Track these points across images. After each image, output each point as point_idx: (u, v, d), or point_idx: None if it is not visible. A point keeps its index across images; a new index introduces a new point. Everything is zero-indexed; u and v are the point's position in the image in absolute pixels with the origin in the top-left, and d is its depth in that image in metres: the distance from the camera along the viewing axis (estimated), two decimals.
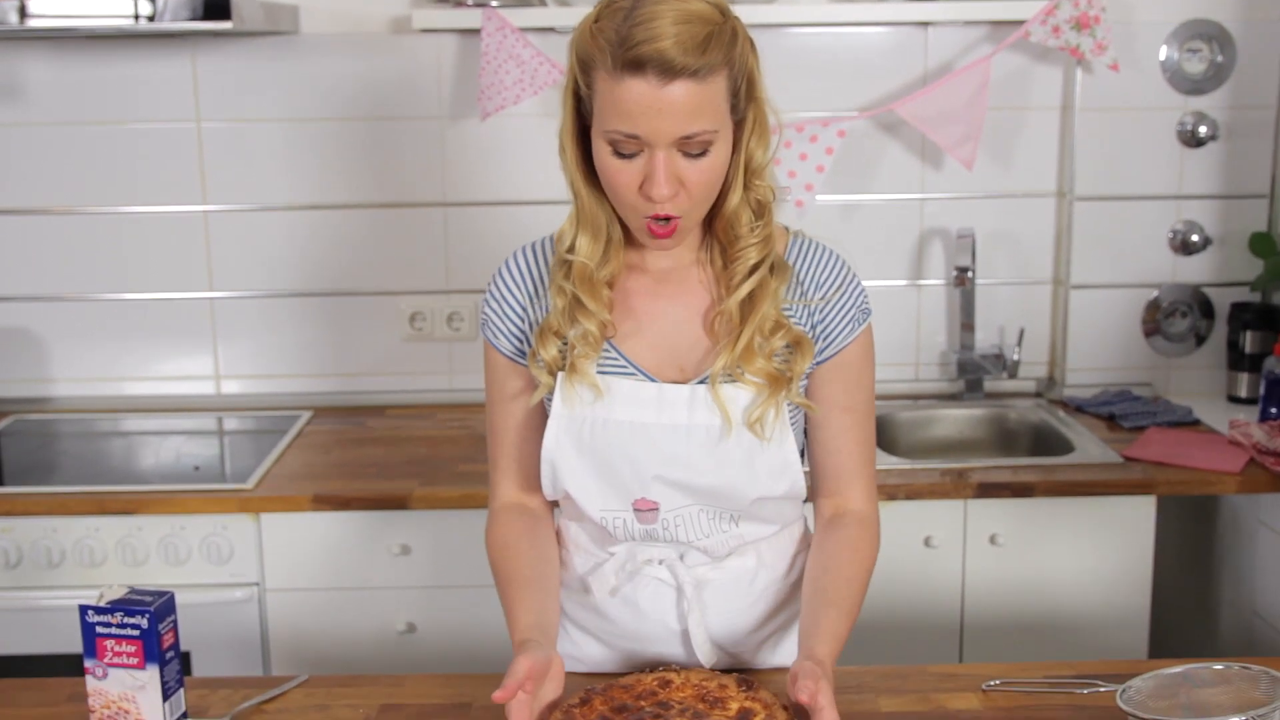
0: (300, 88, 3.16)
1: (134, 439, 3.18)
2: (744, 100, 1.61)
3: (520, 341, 1.77)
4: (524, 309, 1.76)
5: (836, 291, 1.72)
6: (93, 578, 2.65)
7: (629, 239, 1.71)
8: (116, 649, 1.61)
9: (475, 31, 3.02)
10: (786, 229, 1.75)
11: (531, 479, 1.80)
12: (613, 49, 1.51)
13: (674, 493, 1.70)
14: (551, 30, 3.04)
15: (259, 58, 3.14)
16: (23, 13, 2.70)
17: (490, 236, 3.21)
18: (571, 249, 1.68)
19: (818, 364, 1.73)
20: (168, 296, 3.27)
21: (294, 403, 3.30)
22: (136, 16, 2.71)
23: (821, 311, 1.72)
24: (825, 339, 1.72)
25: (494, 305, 1.78)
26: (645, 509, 1.71)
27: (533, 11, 2.99)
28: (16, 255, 3.23)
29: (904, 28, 3.14)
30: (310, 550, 2.70)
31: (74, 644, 2.56)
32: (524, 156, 3.18)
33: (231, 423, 3.24)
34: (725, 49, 1.54)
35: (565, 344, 1.71)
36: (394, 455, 2.90)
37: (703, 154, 1.56)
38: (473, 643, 2.72)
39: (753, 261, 1.67)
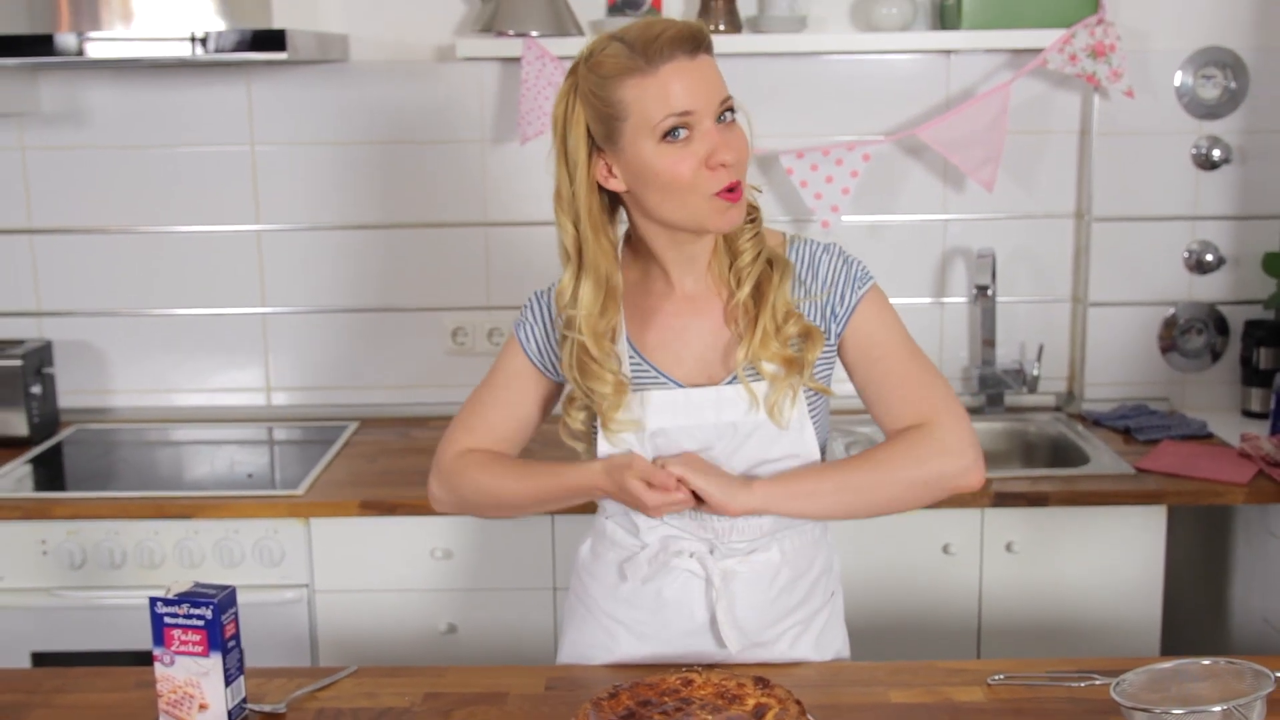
0: (349, 113, 3.31)
1: (189, 448, 3.31)
2: None
3: (544, 353, 1.94)
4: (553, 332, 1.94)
5: (830, 274, 1.87)
6: (152, 578, 2.79)
7: (648, 276, 1.88)
8: (183, 638, 1.74)
9: (516, 60, 3.15)
10: (784, 234, 1.92)
11: (498, 446, 1.97)
12: (635, 53, 1.71)
13: None
14: None
15: (310, 84, 3.29)
16: (82, 43, 2.84)
17: (529, 255, 3.34)
18: (574, 302, 1.82)
19: (839, 335, 1.87)
20: (222, 312, 3.42)
21: (341, 414, 3.43)
22: (193, 40, 2.82)
23: (825, 297, 1.87)
24: (835, 317, 1.87)
25: (536, 311, 1.96)
26: None
27: (570, 41, 3.11)
28: (79, 272, 3.39)
29: (928, 56, 3.26)
30: (357, 554, 2.83)
31: (135, 641, 2.73)
32: None
33: (281, 433, 3.38)
34: (710, 40, 1.77)
35: (590, 410, 1.88)
36: None
37: (734, 121, 1.76)
38: (511, 643, 2.84)
39: (751, 256, 1.83)
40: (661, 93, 1.71)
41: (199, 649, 1.74)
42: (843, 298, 1.87)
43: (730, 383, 1.84)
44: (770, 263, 1.84)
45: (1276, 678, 1.64)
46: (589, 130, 1.77)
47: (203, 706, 1.75)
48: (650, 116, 1.72)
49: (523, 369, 1.97)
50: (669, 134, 1.72)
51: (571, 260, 1.83)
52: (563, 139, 1.79)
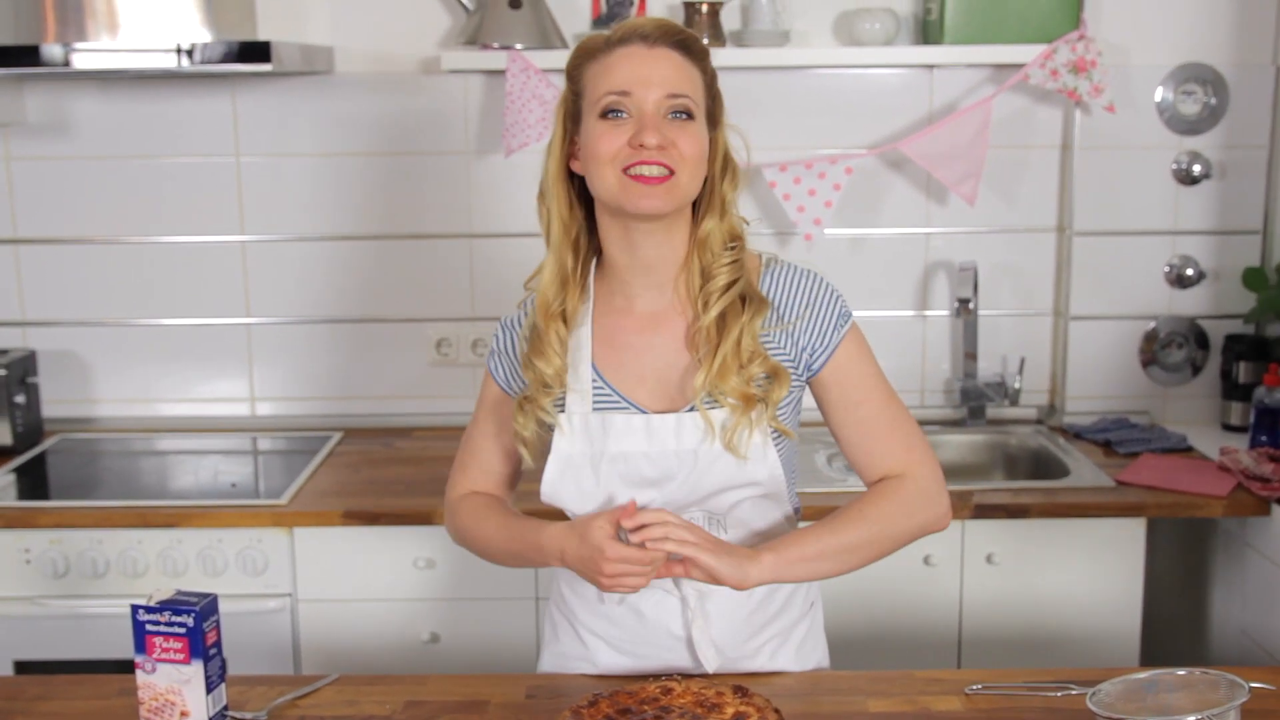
0: (334, 125, 3.32)
1: (173, 458, 3.32)
2: (715, 119, 1.84)
3: (512, 380, 1.95)
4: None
5: (809, 309, 1.87)
6: (135, 587, 2.79)
7: (612, 293, 1.88)
8: (165, 645, 1.74)
9: (500, 72, 3.17)
10: (760, 255, 1.91)
11: (491, 481, 2.00)
12: (603, 40, 1.79)
13: (663, 506, 1.85)
14: None
15: (295, 96, 3.30)
16: (68, 54, 2.85)
17: (513, 266, 3.30)
18: (536, 279, 1.87)
19: (813, 375, 1.88)
20: (206, 322, 3.43)
21: (325, 424, 3.44)
22: (179, 52, 2.83)
23: (802, 329, 1.86)
24: (813, 354, 1.87)
25: (502, 341, 1.97)
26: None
27: (555, 54, 3.13)
28: (64, 282, 3.40)
29: (910, 70, 3.28)
30: (340, 563, 2.84)
31: (118, 650, 2.74)
32: None
33: (265, 443, 3.38)
34: (697, 48, 1.81)
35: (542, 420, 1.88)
36: (420, 474, 3.03)
37: (689, 119, 1.77)
38: (493, 653, 2.85)
39: (724, 282, 1.83)
40: (608, 71, 1.77)
41: (180, 656, 1.74)
42: (824, 336, 1.86)
43: (690, 410, 1.84)
44: (743, 298, 1.83)
45: (1251, 688, 1.66)
46: (565, 113, 1.83)
47: (184, 714, 1.76)
48: (596, 91, 1.77)
49: (498, 399, 1.98)
50: (608, 112, 1.76)
51: (546, 242, 1.88)
52: (553, 128, 1.86)
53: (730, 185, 1.85)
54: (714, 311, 1.82)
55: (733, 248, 1.85)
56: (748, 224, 1.90)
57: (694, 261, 1.85)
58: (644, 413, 1.85)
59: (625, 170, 1.75)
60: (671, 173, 1.75)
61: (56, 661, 2.82)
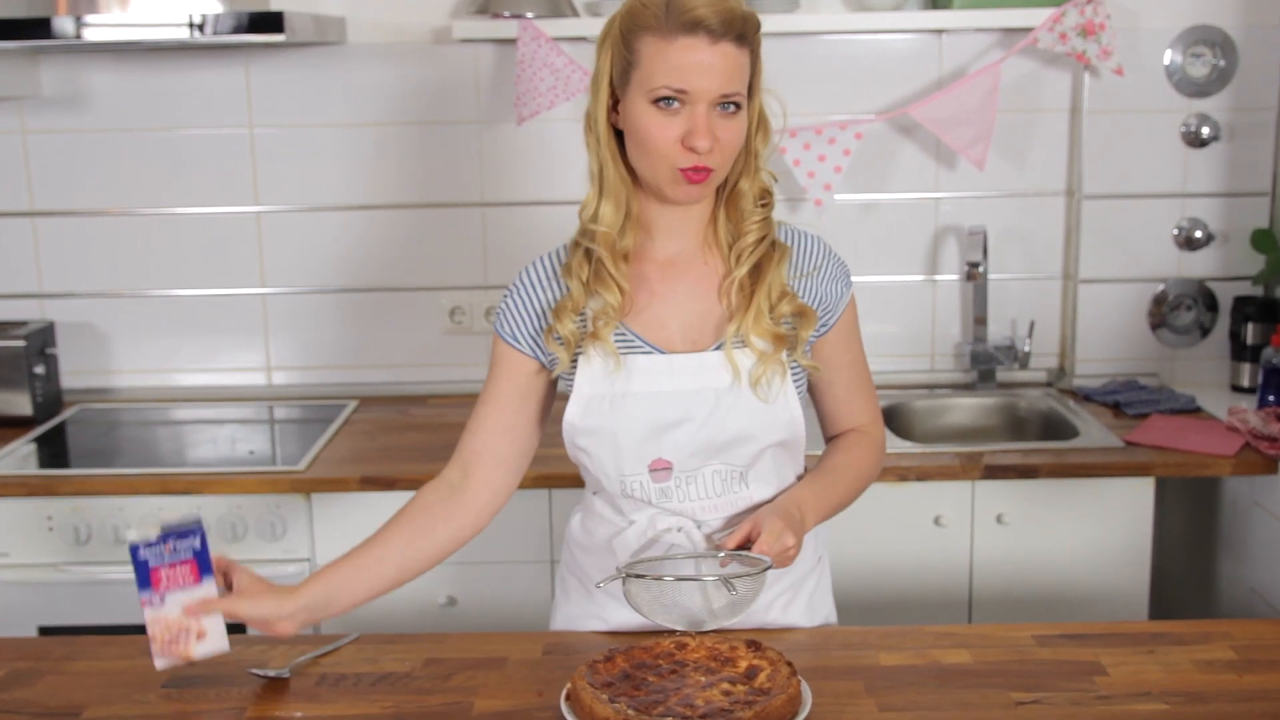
0: (347, 95, 3.34)
1: (191, 427, 3.35)
2: (755, 88, 1.84)
3: (533, 338, 1.94)
4: (543, 309, 1.93)
5: (820, 269, 1.93)
6: None
7: (640, 221, 1.90)
8: (172, 575, 1.76)
9: (511, 41, 3.19)
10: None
11: (477, 459, 2.00)
12: (667, 14, 1.74)
13: (685, 453, 1.87)
14: (583, 39, 3.20)
15: (308, 67, 3.32)
16: (80, 27, 2.87)
17: (526, 234, 3.38)
18: (595, 219, 1.86)
19: (823, 332, 1.93)
20: (222, 293, 3.45)
21: (340, 393, 3.47)
22: (191, 24, 2.84)
23: (813, 286, 1.91)
24: (824, 311, 1.92)
25: (513, 302, 1.95)
26: (659, 468, 1.88)
27: (565, 22, 3.15)
28: (81, 254, 3.43)
29: (919, 35, 3.29)
30: (358, 527, 2.83)
31: (139, 615, 2.75)
32: (557, 159, 3.35)
33: (282, 412, 3.41)
34: (752, 31, 1.78)
35: (582, 320, 1.88)
36: (435, 440, 3.06)
37: (735, 113, 1.78)
38: (508, 615, 2.89)
39: (757, 237, 1.87)
40: (667, 63, 1.74)
41: (191, 580, 1.76)
42: (835, 296, 1.93)
43: (715, 350, 1.87)
44: (772, 244, 1.89)
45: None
46: (612, 63, 1.81)
47: (200, 635, 1.78)
48: (651, 78, 1.76)
49: (512, 361, 1.96)
50: (661, 100, 1.76)
51: (595, 180, 1.87)
52: (596, 61, 1.84)
53: (763, 142, 1.88)
54: (747, 265, 1.86)
55: (764, 204, 1.89)
56: (775, 179, 1.93)
57: (722, 217, 1.90)
58: (665, 354, 1.88)
59: (678, 169, 1.78)
60: (707, 169, 1.79)
61: (79, 627, 2.85)
